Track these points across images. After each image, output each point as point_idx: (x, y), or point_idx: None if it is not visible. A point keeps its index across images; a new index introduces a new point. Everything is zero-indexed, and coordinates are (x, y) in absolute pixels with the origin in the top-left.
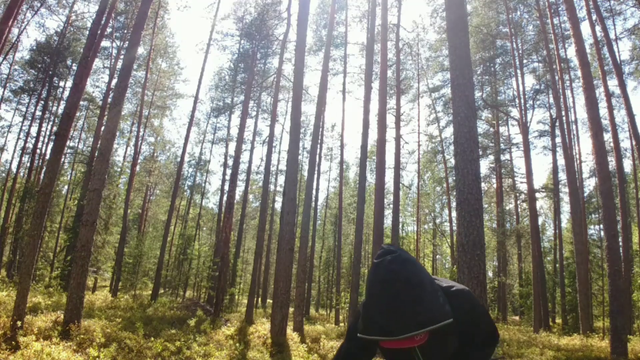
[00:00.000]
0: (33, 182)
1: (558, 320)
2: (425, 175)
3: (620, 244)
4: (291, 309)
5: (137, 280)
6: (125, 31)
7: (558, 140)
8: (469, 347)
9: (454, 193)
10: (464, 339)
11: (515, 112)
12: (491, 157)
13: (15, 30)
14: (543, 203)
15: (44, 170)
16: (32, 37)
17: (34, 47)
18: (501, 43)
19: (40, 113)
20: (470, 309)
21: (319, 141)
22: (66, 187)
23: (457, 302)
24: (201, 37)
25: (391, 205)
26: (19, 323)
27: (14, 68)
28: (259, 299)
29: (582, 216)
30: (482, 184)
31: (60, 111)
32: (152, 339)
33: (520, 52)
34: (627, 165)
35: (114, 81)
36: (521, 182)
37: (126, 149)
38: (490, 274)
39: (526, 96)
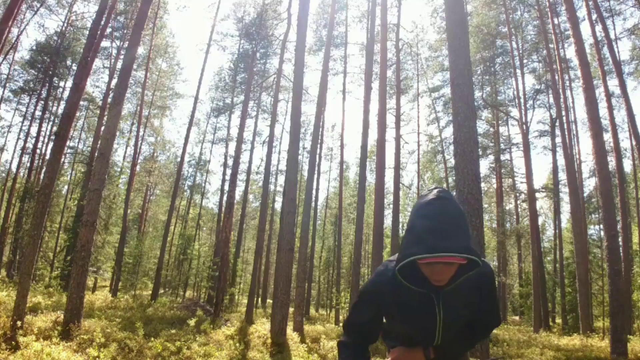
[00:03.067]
0: (33, 182)
1: (558, 320)
2: (425, 175)
3: (620, 244)
4: (291, 309)
5: (137, 280)
6: (125, 31)
7: (558, 140)
8: (476, 322)
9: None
10: (474, 306)
11: (515, 112)
12: (491, 157)
13: (15, 30)
14: (543, 203)
15: (44, 170)
16: (31, 37)
17: (34, 47)
18: (501, 43)
19: (40, 113)
20: (491, 276)
21: (319, 141)
22: (66, 187)
23: (485, 262)
24: (201, 37)
25: (391, 205)
26: (19, 323)
27: (14, 68)
28: (259, 299)
29: (582, 216)
30: (482, 184)
31: (60, 111)
32: (152, 339)
33: (520, 52)
34: (627, 165)
35: (114, 81)
36: (521, 182)
37: (126, 149)
38: None
39: (526, 96)
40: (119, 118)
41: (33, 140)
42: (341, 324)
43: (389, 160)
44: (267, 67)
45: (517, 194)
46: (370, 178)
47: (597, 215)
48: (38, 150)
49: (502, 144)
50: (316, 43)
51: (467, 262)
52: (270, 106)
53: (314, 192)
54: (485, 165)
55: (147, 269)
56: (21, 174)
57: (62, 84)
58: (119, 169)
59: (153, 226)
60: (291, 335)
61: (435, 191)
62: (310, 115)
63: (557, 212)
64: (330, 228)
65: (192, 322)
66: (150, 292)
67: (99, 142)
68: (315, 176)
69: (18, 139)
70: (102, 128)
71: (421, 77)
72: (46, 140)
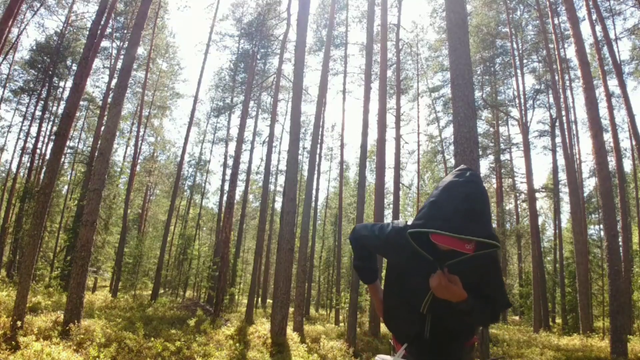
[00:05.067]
0: (33, 182)
1: (558, 320)
2: (425, 175)
3: (620, 244)
4: (291, 309)
5: (137, 280)
6: (125, 31)
7: (558, 140)
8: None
9: None
10: (472, 286)
11: (515, 112)
12: (491, 157)
13: (15, 30)
14: (543, 203)
15: (44, 170)
16: (31, 37)
17: (34, 47)
18: (501, 43)
19: (40, 113)
20: (495, 258)
21: (319, 141)
22: (66, 187)
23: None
24: (201, 37)
25: (391, 205)
26: (19, 323)
27: (14, 68)
28: (259, 299)
29: (582, 216)
30: None
31: (60, 111)
32: (152, 339)
33: (520, 52)
34: (627, 165)
35: (114, 81)
36: (521, 182)
37: (126, 149)
38: None
39: (526, 96)
40: (119, 118)
41: (33, 140)
42: (341, 324)
43: (389, 160)
44: (267, 67)
45: (517, 194)
46: (370, 178)
47: (597, 215)
48: (38, 150)
49: (502, 144)
50: (316, 43)
51: (479, 245)
52: (270, 106)
53: (314, 192)
54: (485, 165)
55: (147, 269)
56: (21, 174)
57: (62, 84)
58: (119, 169)
59: (153, 226)
60: (291, 335)
61: (468, 174)
62: (310, 115)
63: (557, 212)
64: (330, 228)
65: (192, 322)
66: (150, 292)
67: (99, 142)
68: (315, 176)
69: (18, 139)
70: (102, 128)
71: (421, 77)
72: (46, 140)
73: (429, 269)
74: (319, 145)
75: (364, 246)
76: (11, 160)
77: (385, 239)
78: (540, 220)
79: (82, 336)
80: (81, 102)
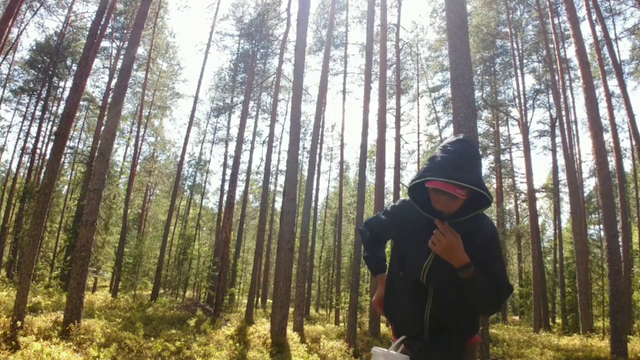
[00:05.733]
0: (33, 182)
1: (558, 320)
2: None
3: (620, 244)
4: (291, 309)
5: (137, 280)
6: (125, 31)
7: (558, 140)
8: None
9: None
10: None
11: (515, 112)
12: (491, 157)
13: (15, 31)
14: (543, 203)
15: (44, 170)
16: (31, 37)
17: (34, 47)
18: (501, 43)
19: (40, 113)
20: (490, 233)
21: (319, 141)
22: (66, 187)
23: (487, 220)
24: (201, 37)
25: None
26: (19, 323)
27: (13, 68)
28: (259, 299)
29: (582, 216)
30: None
31: (60, 111)
32: (152, 339)
33: (520, 52)
34: (627, 165)
35: (114, 81)
36: (521, 182)
37: (126, 149)
38: None
39: (526, 96)
40: (119, 118)
41: (33, 140)
42: (341, 324)
43: (389, 160)
44: (267, 67)
45: (517, 194)
46: (370, 178)
47: (597, 215)
48: (38, 150)
49: (502, 144)
50: (316, 43)
51: (474, 204)
52: (270, 106)
53: (314, 192)
54: (485, 165)
55: (147, 269)
56: (21, 174)
57: (62, 84)
58: (119, 169)
59: (153, 226)
60: (291, 335)
61: (461, 135)
62: (310, 115)
63: (557, 212)
64: (330, 228)
65: (192, 322)
66: (150, 292)
67: (99, 142)
68: (315, 176)
69: (18, 139)
70: (102, 128)
71: (421, 77)
72: (46, 140)
73: (430, 235)
74: (319, 145)
75: (373, 233)
76: (11, 160)
77: (392, 212)
78: (540, 220)
79: (82, 336)
80: (81, 102)
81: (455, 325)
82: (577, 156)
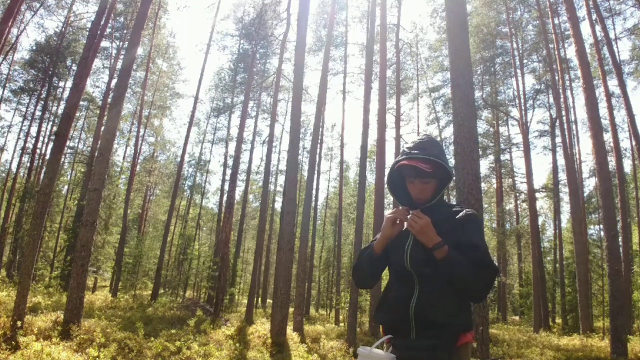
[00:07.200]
0: (33, 182)
1: (558, 320)
2: None
3: (620, 244)
4: (291, 309)
5: (137, 280)
6: (125, 31)
7: (558, 140)
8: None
9: (454, 193)
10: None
11: (515, 112)
12: (491, 157)
13: (14, 31)
14: (543, 203)
15: (44, 170)
16: (31, 37)
17: (34, 48)
18: (501, 43)
19: (40, 113)
20: (468, 217)
21: (319, 141)
22: (66, 187)
23: (465, 209)
24: (201, 37)
25: (391, 205)
26: (19, 323)
27: (13, 68)
28: (259, 299)
29: (582, 216)
30: (482, 184)
31: (60, 111)
32: (152, 339)
33: (520, 52)
34: (627, 165)
35: (114, 81)
36: (521, 182)
37: (126, 149)
38: None
39: (526, 96)
40: (119, 118)
41: (33, 140)
42: (341, 324)
43: (389, 160)
44: (267, 67)
45: (517, 194)
46: (370, 178)
47: (597, 215)
48: (38, 150)
49: (502, 144)
50: (316, 43)
51: (443, 184)
52: (270, 106)
53: (314, 192)
54: (485, 165)
55: (147, 269)
56: (21, 174)
57: (62, 84)
58: (119, 169)
59: (153, 226)
60: (291, 335)
61: (427, 133)
62: (310, 115)
63: (557, 212)
64: (330, 228)
65: (192, 322)
66: (150, 292)
67: (99, 142)
68: (315, 176)
69: (18, 139)
70: (102, 128)
71: (421, 77)
72: (46, 140)
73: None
74: (319, 145)
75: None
76: (11, 160)
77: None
78: (540, 220)
79: (82, 336)
80: (81, 102)
81: (444, 319)
82: (577, 156)
